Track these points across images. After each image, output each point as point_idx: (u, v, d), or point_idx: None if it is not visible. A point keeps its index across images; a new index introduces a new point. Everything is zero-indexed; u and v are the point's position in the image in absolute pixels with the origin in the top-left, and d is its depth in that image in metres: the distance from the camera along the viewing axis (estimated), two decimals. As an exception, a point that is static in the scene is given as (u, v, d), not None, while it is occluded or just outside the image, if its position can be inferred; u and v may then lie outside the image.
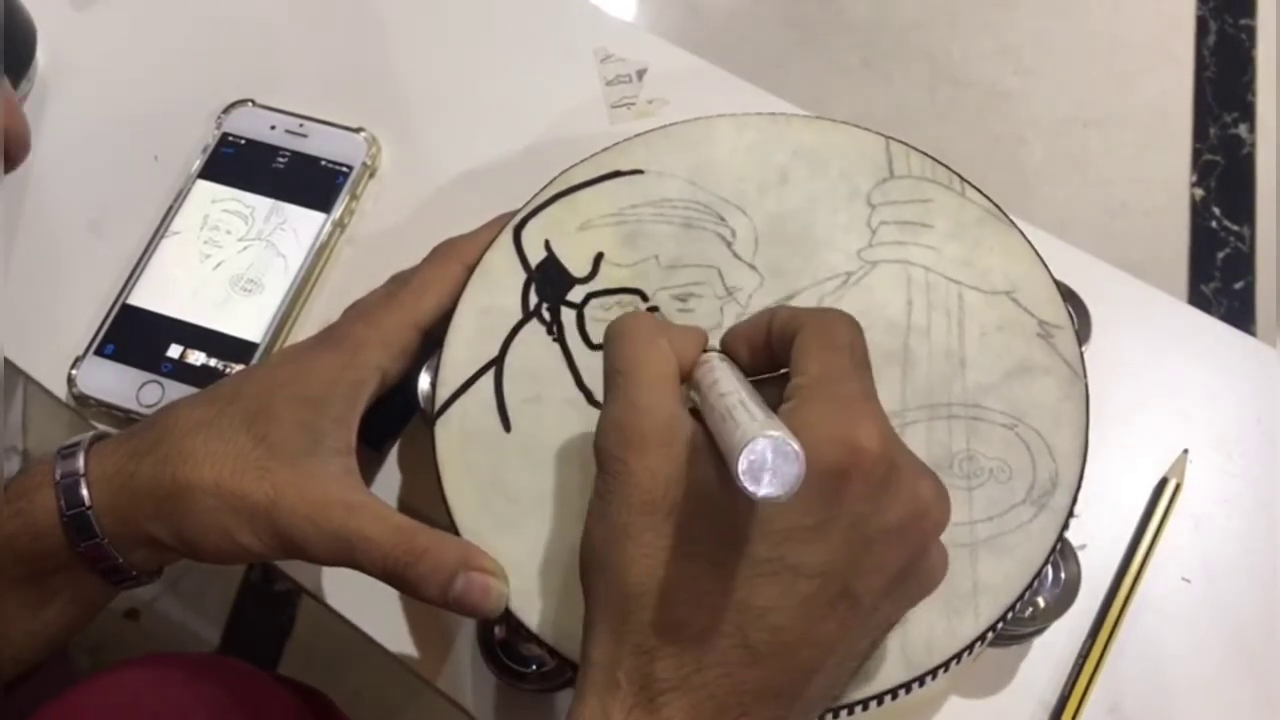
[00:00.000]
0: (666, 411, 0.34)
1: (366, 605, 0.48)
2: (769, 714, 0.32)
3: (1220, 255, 1.25)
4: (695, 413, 0.35)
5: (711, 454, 0.33)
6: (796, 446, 0.28)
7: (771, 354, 0.37)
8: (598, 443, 0.35)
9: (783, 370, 0.37)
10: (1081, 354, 0.43)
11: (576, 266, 0.47)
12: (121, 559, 0.42)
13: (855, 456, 0.31)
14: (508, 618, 0.41)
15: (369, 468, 0.50)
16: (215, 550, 0.41)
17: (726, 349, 0.39)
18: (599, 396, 0.44)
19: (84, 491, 0.41)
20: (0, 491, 0.42)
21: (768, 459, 0.28)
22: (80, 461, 0.42)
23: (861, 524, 0.32)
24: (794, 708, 0.33)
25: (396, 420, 0.51)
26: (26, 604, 0.43)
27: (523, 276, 0.47)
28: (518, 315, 0.47)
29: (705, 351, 0.39)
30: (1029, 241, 0.46)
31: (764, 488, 0.28)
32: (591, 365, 0.45)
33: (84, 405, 0.53)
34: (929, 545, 0.34)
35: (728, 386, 0.34)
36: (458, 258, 0.47)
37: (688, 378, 0.37)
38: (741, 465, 0.28)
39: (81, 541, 0.41)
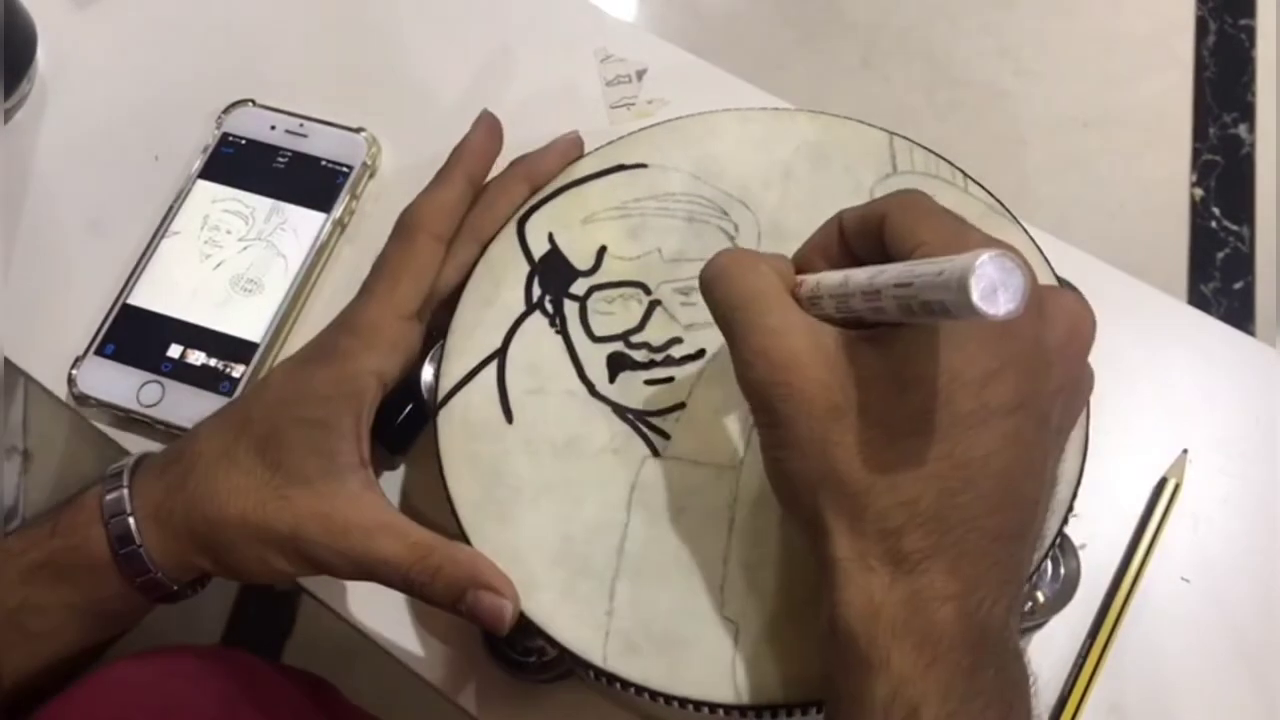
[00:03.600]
0: (803, 322, 0.34)
1: (366, 605, 0.48)
2: (1013, 555, 0.33)
3: (1220, 255, 1.25)
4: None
5: (870, 342, 0.33)
6: (1009, 254, 0.28)
7: (852, 256, 0.38)
8: (748, 377, 0.35)
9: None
10: None
11: (580, 259, 0.48)
12: (175, 587, 0.44)
13: None
14: None
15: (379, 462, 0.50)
16: (257, 574, 0.43)
17: (804, 267, 0.39)
18: (601, 388, 0.45)
19: (134, 530, 0.43)
20: (51, 524, 0.44)
21: (993, 278, 0.28)
22: (125, 497, 0.43)
23: (1038, 348, 0.33)
24: (1027, 542, 0.34)
25: (413, 426, 0.50)
26: (83, 627, 0.44)
27: (526, 269, 0.48)
28: (521, 307, 0.47)
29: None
30: (1031, 237, 0.46)
31: (1003, 305, 0.28)
32: (594, 357, 0.46)
33: (84, 405, 0.53)
34: (1086, 355, 0.35)
35: (864, 272, 0.33)
36: (423, 229, 0.46)
37: (797, 299, 0.37)
38: (977, 296, 0.27)
39: (137, 576, 0.43)
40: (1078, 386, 0.35)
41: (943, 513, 0.32)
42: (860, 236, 0.37)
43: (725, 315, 0.36)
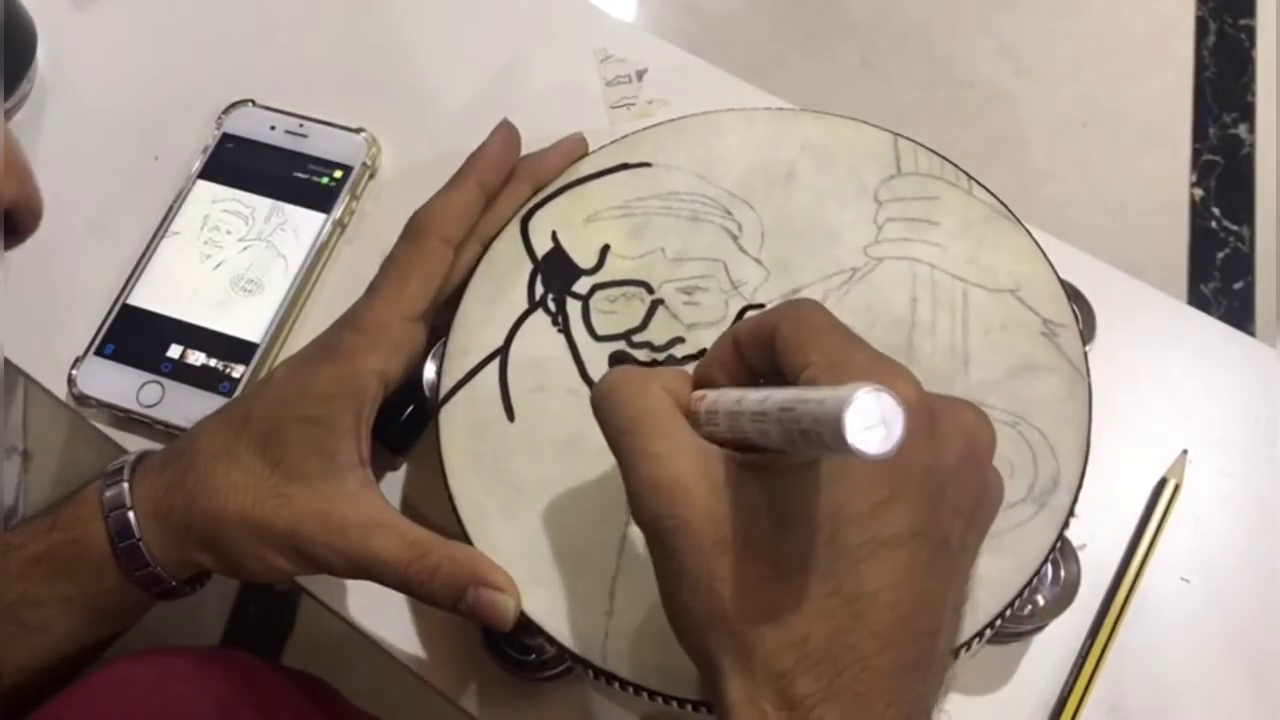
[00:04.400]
0: (691, 448, 0.33)
1: (366, 605, 0.48)
2: (911, 691, 0.32)
3: (1220, 255, 1.25)
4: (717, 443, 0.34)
5: (757, 471, 0.32)
6: (888, 393, 0.27)
7: (747, 368, 0.37)
8: (638, 510, 0.33)
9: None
10: (1085, 353, 0.43)
11: (583, 258, 0.48)
12: (175, 582, 0.44)
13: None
14: None
15: (380, 462, 0.50)
16: (257, 572, 0.43)
17: (702, 380, 0.38)
18: None
19: (133, 524, 0.43)
20: (52, 518, 0.44)
21: (867, 417, 0.27)
22: (125, 491, 0.43)
23: (930, 474, 0.32)
24: (929, 674, 0.33)
25: (415, 426, 0.50)
26: (82, 623, 0.44)
27: (529, 267, 0.48)
28: (523, 305, 0.47)
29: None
30: (1035, 240, 0.46)
31: (876, 446, 0.27)
32: (596, 356, 0.46)
33: (84, 405, 0.53)
34: (987, 469, 0.34)
35: (758, 394, 0.32)
36: (433, 232, 0.46)
37: (691, 416, 0.36)
38: (850, 433, 0.26)
39: (136, 570, 0.43)
40: (980, 502, 0.34)
41: (834, 651, 0.31)
42: (753, 349, 0.36)
43: (613, 440, 0.35)
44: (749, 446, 0.33)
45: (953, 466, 0.32)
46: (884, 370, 0.33)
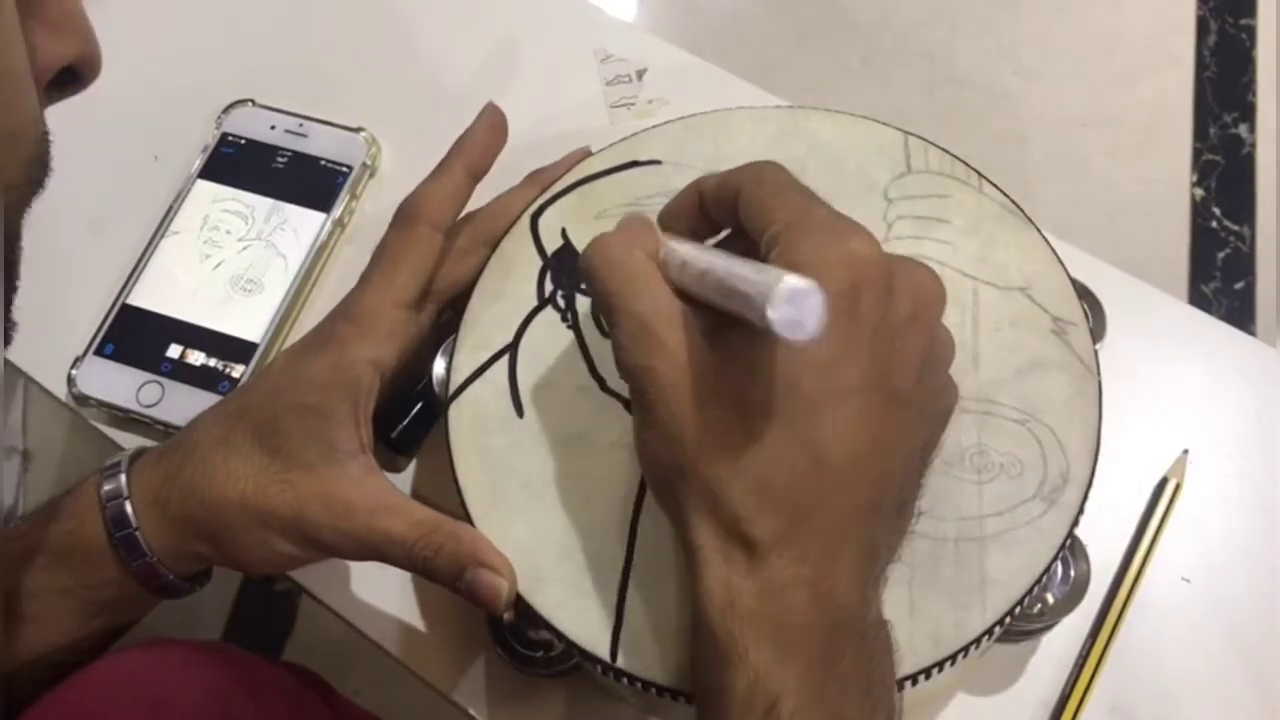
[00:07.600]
0: (667, 308, 0.35)
1: (366, 605, 0.48)
2: (867, 533, 0.34)
3: (1220, 255, 1.25)
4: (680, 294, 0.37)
5: (729, 327, 0.34)
6: (807, 283, 0.30)
7: (710, 222, 0.39)
8: (622, 363, 0.36)
9: (724, 233, 0.39)
10: (1095, 351, 0.43)
11: None
12: (173, 575, 0.44)
13: (858, 269, 0.33)
14: (516, 602, 0.41)
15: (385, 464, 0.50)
16: (259, 561, 0.43)
17: (665, 227, 0.39)
18: (612, 384, 0.45)
19: (130, 514, 0.43)
20: (49, 510, 0.44)
21: (792, 306, 0.29)
22: (123, 483, 0.43)
23: (882, 327, 0.34)
24: (884, 520, 0.35)
25: (419, 428, 0.50)
26: (79, 615, 0.44)
27: (539, 264, 0.48)
28: (533, 302, 0.47)
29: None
30: (1045, 238, 0.46)
31: (802, 332, 0.29)
32: (605, 352, 0.46)
33: (84, 405, 0.53)
34: (935, 325, 0.36)
35: (708, 260, 0.35)
36: (422, 219, 0.46)
37: (662, 264, 0.38)
38: (775, 319, 0.29)
39: (133, 561, 0.43)
40: (929, 357, 0.36)
41: (792, 494, 0.33)
42: (717, 205, 0.38)
43: (602, 302, 0.37)
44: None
45: (904, 319, 0.34)
46: (842, 227, 0.34)
